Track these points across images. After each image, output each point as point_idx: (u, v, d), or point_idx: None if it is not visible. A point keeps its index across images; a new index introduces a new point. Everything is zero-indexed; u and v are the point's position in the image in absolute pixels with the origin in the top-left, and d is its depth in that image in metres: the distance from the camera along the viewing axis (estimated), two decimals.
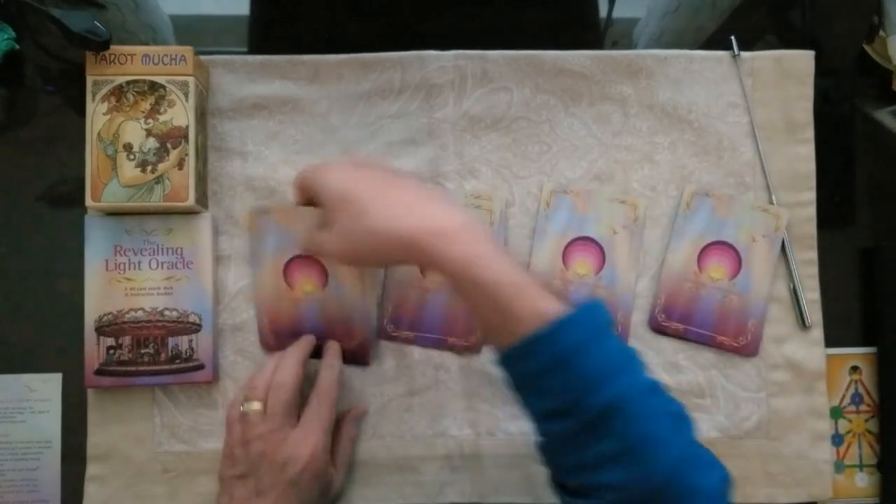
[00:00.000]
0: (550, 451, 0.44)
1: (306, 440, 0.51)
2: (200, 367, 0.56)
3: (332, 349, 0.56)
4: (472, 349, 0.58)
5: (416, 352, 0.58)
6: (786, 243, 0.59)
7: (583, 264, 0.58)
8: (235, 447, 0.51)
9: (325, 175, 0.50)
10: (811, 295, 0.59)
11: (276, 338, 0.57)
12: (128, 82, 0.54)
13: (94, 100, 0.54)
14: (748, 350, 0.58)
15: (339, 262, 0.54)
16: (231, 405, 0.54)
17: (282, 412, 0.51)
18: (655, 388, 0.43)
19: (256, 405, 0.51)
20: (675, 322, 0.58)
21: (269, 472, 0.50)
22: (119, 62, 0.54)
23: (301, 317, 0.57)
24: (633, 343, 0.59)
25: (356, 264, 0.55)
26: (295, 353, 0.54)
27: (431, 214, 0.46)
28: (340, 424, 0.56)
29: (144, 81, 0.54)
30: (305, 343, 0.55)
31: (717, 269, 0.58)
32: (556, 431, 0.43)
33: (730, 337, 0.58)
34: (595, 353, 0.42)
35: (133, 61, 0.55)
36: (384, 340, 0.58)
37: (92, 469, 0.56)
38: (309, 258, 0.57)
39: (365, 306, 0.57)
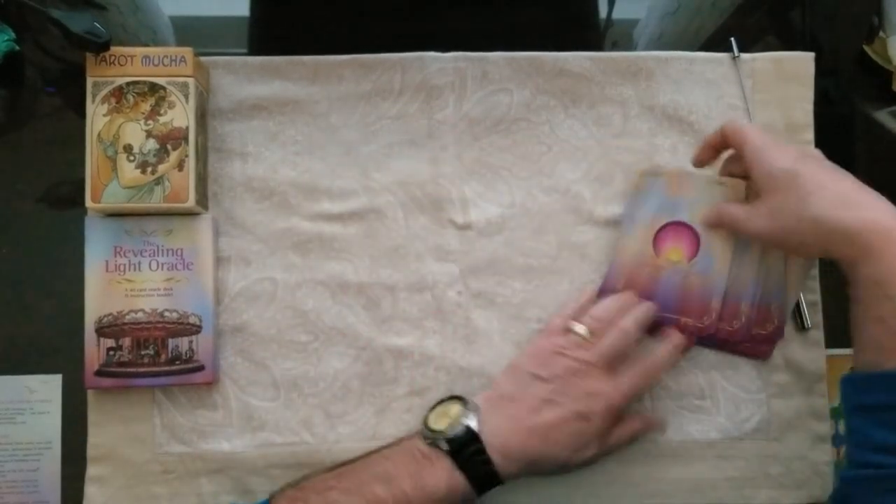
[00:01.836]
0: (879, 487, 0.42)
1: (614, 391, 0.51)
2: (200, 368, 0.56)
3: (682, 337, 0.55)
4: (704, 331, 0.56)
5: (416, 353, 0.58)
6: None
7: (676, 251, 0.57)
8: (548, 354, 0.52)
9: (770, 151, 0.50)
10: (811, 297, 0.59)
11: None
12: (128, 83, 0.54)
13: (94, 101, 0.54)
14: (711, 329, 0.56)
15: (760, 239, 0.52)
16: (558, 315, 0.55)
17: (609, 355, 0.52)
18: None
19: (585, 331, 0.52)
20: None
21: (567, 391, 0.50)
22: (119, 63, 0.54)
23: (659, 285, 0.56)
24: None
25: (778, 246, 0.54)
26: (648, 310, 0.54)
27: (883, 212, 0.45)
28: (632, 416, 0.55)
29: (144, 82, 0.54)
30: (653, 309, 0.55)
31: (675, 250, 0.57)
32: None
33: (693, 318, 0.56)
34: None
35: (133, 62, 0.55)
36: None
37: (92, 470, 0.56)
38: (682, 226, 0.56)
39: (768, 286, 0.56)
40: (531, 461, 0.50)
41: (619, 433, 0.53)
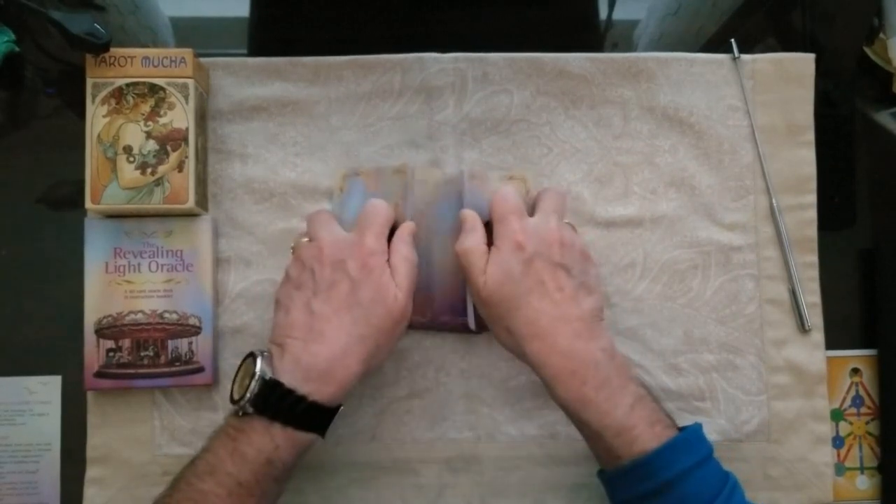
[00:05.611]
0: None
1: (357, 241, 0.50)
2: (200, 369, 0.56)
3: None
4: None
5: (416, 354, 0.58)
6: (786, 246, 0.59)
7: None
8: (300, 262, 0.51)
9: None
10: (811, 298, 0.59)
11: None
12: (127, 84, 0.54)
13: (93, 102, 0.54)
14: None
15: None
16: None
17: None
18: None
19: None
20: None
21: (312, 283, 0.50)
22: (119, 64, 0.54)
23: None
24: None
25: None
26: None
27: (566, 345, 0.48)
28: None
29: (144, 84, 0.54)
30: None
31: None
32: None
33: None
34: (698, 479, 0.45)
35: (133, 63, 0.55)
36: None
37: (91, 472, 0.56)
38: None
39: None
40: (340, 364, 0.47)
41: (399, 271, 0.50)
